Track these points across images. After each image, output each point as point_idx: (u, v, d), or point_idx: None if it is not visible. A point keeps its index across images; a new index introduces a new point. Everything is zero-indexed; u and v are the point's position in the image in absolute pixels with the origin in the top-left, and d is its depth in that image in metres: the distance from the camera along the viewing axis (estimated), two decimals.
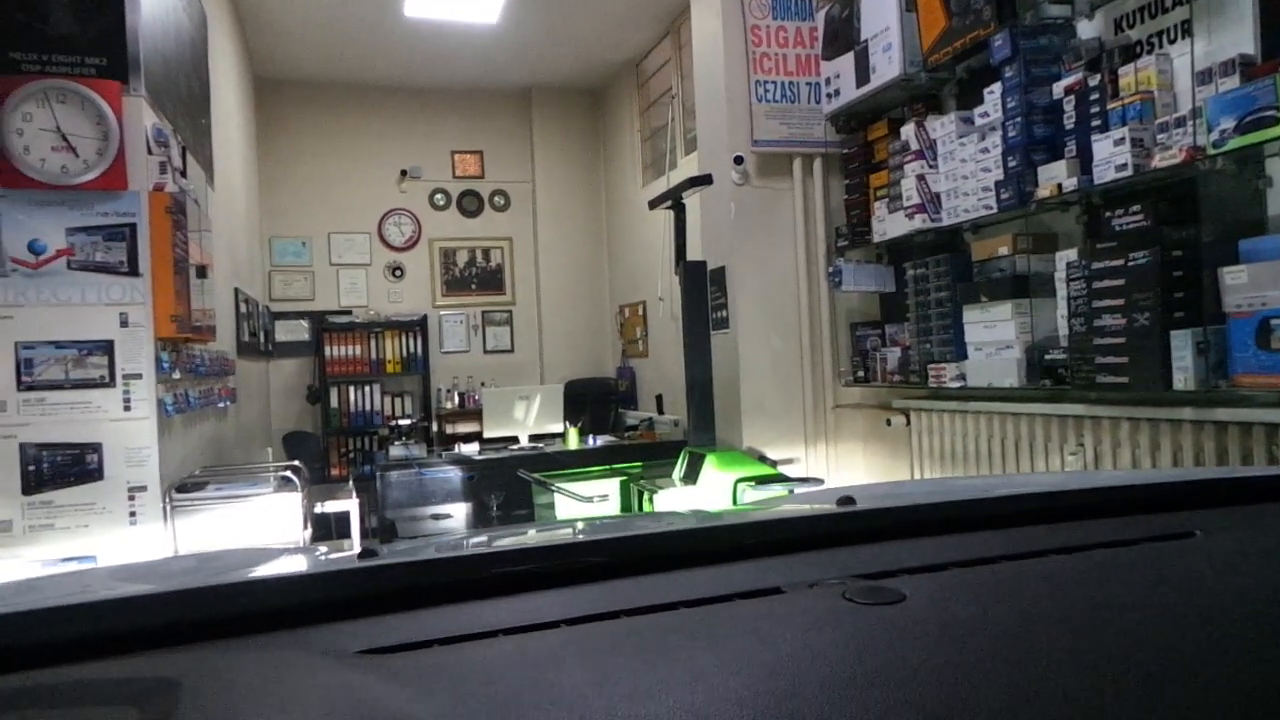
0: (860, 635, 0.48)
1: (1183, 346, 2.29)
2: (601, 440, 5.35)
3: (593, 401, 6.61)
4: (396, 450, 5.16)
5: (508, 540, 0.96)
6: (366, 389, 7.05)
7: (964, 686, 0.40)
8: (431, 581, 0.60)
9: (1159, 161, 2.33)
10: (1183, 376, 2.29)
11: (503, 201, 7.70)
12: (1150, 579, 0.58)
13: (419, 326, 7.18)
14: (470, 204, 7.63)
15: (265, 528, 3.20)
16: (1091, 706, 0.39)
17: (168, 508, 3.00)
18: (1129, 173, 2.41)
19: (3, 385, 2.82)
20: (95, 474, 2.90)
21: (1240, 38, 2.26)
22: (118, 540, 2.92)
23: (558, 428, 5.38)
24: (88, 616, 0.55)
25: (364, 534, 4.46)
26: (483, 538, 1.06)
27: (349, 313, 7.19)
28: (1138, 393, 2.47)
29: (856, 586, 0.56)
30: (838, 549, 0.68)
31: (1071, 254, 2.68)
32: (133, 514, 2.95)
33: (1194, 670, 0.43)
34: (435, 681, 0.44)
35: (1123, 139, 2.42)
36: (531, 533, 1.19)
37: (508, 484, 4.72)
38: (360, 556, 0.87)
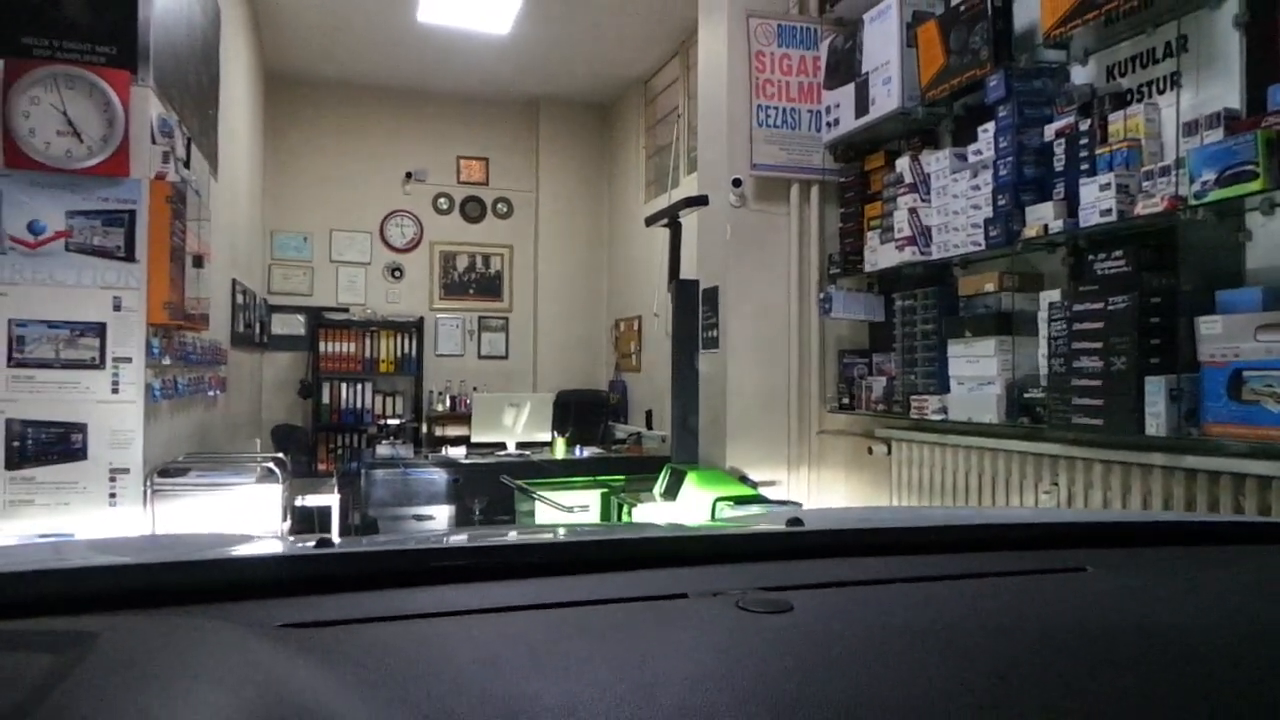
0: (745, 639, 0.51)
1: (1156, 392, 2.32)
2: (588, 452, 5.38)
3: (583, 413, 6.64)
4: (383, 449, 5.18)
5: (451, 539, 0.99)
6: (359, 387, 7.08)
7: (816, 686, 0.43)
8: (361, 571, 0.63)
9: (1142, 209, 2.37)
10: (1155, 422, 2.32)
11: (505, 209, 7.75)
12: (1039, 607, 0.61)
13: (415, 328, 7.22)
14: (473, 210, 7.68)
15: (244, 517, 3.22)
16: (936, 713, 0.42)
17: (148, 491, 3.02)
18: (1113, 218, 2.44)
19: None
20: (79, 453, 2.93)
21: (1226, 92, 2.31)
22: (96, 520, 2.94)
23: (546, 436, 5.41)
24: (15, 583, 0.58)
25: (345, 530, 4.48)
26: (431, 537, 1.10)
27: (346, 310, 7.22)
28: (1111, 435, 2.50)
29: (751, 597, 0.59)
30: (747, 563, 0.71)
31: (1055, 294, 2.71)
32: (113, 495, 2.97)
33: (1070, 691, 0.45)
34: (340, 654, 0.47)
35: (1109, 184, 2.46)
36: (482, 531, 1.21)
37: (491, 489, 4.74)
38: (315, 546, 0.90)
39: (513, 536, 1.00)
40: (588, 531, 1.05)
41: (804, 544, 0.79)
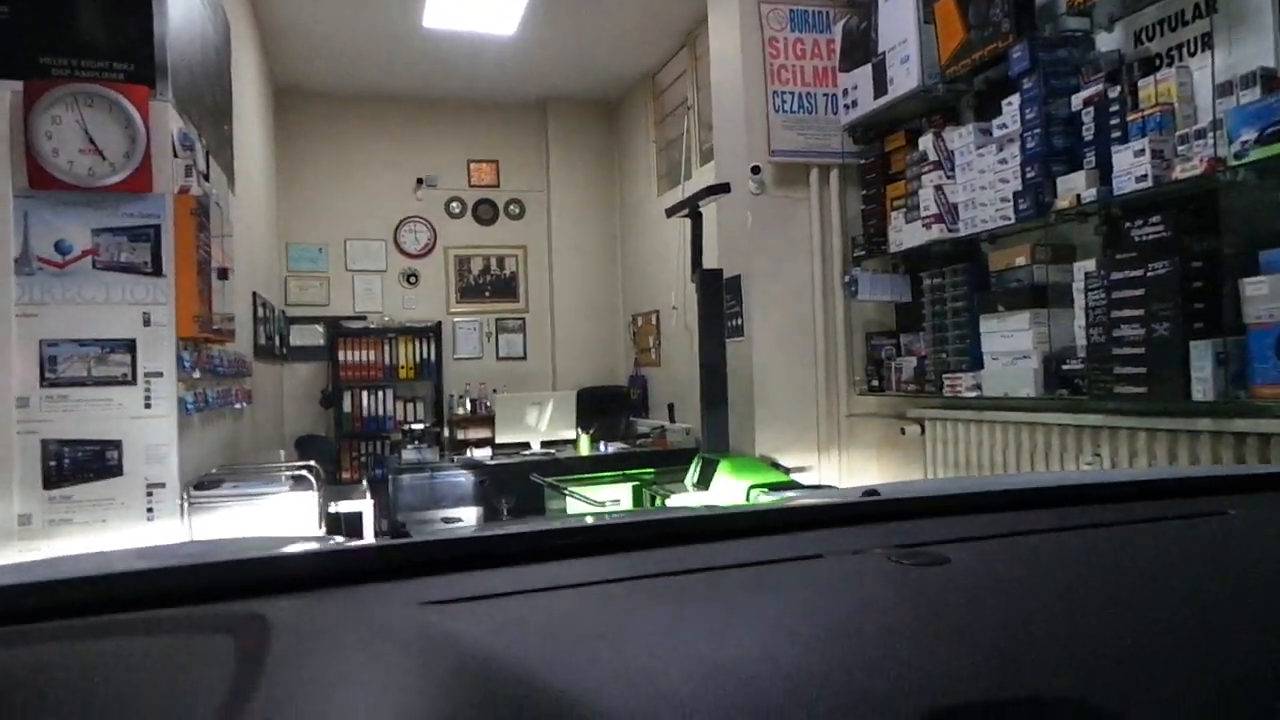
0: (909, 590, 0.49)
1: (1202, 357, 2.29)
2: (613, 447, 5.37)
3: (604, 408, 6.62)
4: (409, 454, 5.19)
5: (546, 524, 0.98)
6: (379, 394, 7.08)
7: (1016, 641, 0.42)
8: (484, 551, 0.62)
9: (1179, 173, 2.34)
10: (1202, 387, 2.28)
11: (518, 210, 7.75)
12: (1185, 551, 0.59)
13: (432, 333, 7.22)
14: (485, 212, 7.68)
15: (280, 526, 3.23)
16: (1135, 664, 0.40)
17: (185, 505, 3.03)
18: (1149, 184, 2.41)
19: (27, 382, 2.85)
20: (115, 470, 2.93)
21: (1261, 50, 2.27)
22: (135, 536, 2.94)
23: (570, 434, 5.40)
24: (174, 576, 0.58)
25: (375, 535, 4.47)
26: (509, 528, 1.10)
27: (363, 318, 7.23)
28: (1156, 403, 2.47)
29: (900, 551, 0.57)
30: (875, 524, 0.70)
31: (1090, 264, 2.68)
32: (150, 510, 2.98)
33: (1224, 636, 0.44)
34: (499, 621, 0.47)
35: (1143, 150, 2.43)
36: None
37: (519, 488, 4.74)
38: (394, 537, 0.91)
39: (630, 515, 0.99)
40: (679, 512, 1.03)
41: (945, 504, 0.78)
